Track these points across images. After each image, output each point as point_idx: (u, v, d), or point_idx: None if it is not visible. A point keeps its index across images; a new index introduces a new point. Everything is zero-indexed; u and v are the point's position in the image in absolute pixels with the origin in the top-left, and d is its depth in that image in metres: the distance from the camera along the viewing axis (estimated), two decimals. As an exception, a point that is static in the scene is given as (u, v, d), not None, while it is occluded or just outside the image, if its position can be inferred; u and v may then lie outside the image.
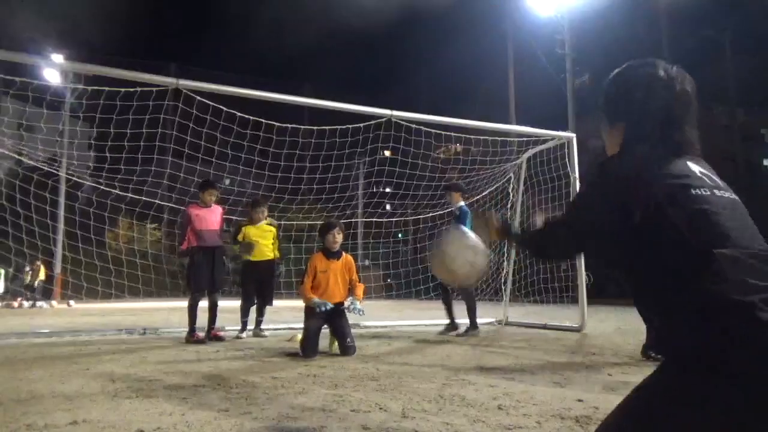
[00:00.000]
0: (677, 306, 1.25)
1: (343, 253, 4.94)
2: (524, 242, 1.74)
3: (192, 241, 5.85)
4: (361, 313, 4.73)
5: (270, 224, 6.56)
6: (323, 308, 4.56)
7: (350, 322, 4.91)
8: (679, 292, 1.24)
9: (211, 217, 5.94)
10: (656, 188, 1.31)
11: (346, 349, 4.63)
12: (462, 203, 6.76)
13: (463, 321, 6.68)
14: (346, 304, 4.76)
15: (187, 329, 5.81)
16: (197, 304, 5.82)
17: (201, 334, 5.80)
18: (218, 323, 5.98)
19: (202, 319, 5.81)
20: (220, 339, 5.83)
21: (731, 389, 1.10)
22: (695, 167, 1.37)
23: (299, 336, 5.82)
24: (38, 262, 15.98)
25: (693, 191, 1.30)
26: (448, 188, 7.10)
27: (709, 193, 1.31)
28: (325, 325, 4.80)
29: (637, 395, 1.28)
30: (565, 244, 1.54)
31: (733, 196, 1.37)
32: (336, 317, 4.72)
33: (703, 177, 1.35)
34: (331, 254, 4.86)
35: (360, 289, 4.92)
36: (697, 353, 1.18)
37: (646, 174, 1.34)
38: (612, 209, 1.36)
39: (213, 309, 5.89)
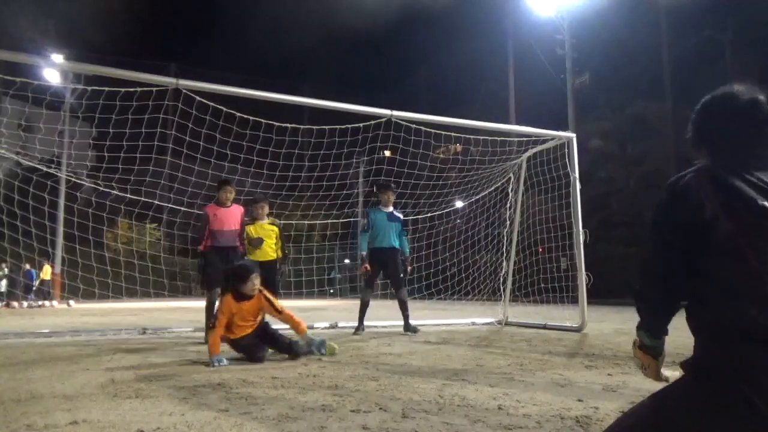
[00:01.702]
0: (717, 325, 1.23)
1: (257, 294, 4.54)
2: (650, 316, 1.56)
3: (208, 241, 5.84)
4: (323, 352, 4.51)
5: (273, 224, 6.56)
6: (219, 365, 4.04)
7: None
8: (724, 312, 1.22)
9: (229, 217, 5.92)
10: (718, 198, 1.29)
11: (259, 360, 4.30)
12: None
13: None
14: (302, 344, 4.52)
15: (187, 329, 5.80)
16: (213, 304, 5.77)
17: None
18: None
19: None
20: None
21: (740, 410, 1.10)
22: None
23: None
24: (45, 263, 16.00)
25: (760, 202, 1.25)
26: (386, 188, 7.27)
27: None
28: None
29: (652, 403, 1.28)
30: (662, 292, 1.45)
31: None
32: (254, 343, 4.46)
33: None
34: (242, 297, 4.45)
35: (294, 319, 4.62)
36: (716, 371, 1.17)
37: (712, 184, 1.32)
38: (683, 230, 1.34)
39: None
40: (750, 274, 1.20)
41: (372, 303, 7.07)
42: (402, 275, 6.98)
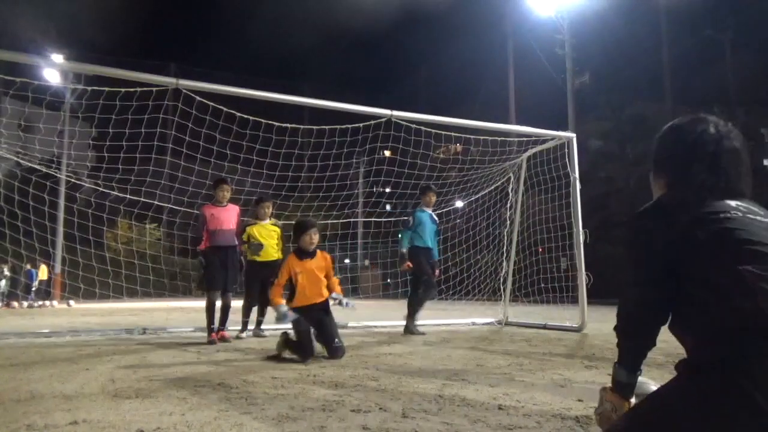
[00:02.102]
0: (706, 322, 1.27)
1: (318, 251, 4.74)
2: (628, 353, 1.54)
3: (206, 241, 5.82)
4: (351, 306, 4.64)
5: (275, 224, 6.56)
6: (286, 320, 4.35)
7: (338, 321, 4.76)
8: (708, 308, 1.26)
9: (225, 216, 5.88)
10: (686, 217, 1.35)
11: (335, 351, 4.39)
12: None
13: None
14: (332, 302, 4.64)
15: (187, 329, 5.80)
16: (214, 304, 5.76)
17: (226, 333, 5.82)
18: (218, 323, 5.95)
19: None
20: (225, 340, 5.77)
21: (740, 407, 1.11)
22: (732, 202, 1.39)
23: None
24: (40, 263, 16.00)
25: (722, 214, 1.33)
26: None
27: (740, 215, 1.33)
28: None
29: (650, 403, 1.28)
30: (642, 310, 1.46)
31: None
32: (321, 318, 4.53)
33: (739, 207, 1.36)
34: (304, 254, 4.65)
35: (337, 284, 4.78)
36: (711, 369, 1.19)
37: (679, 210, 1.38)
38: (658, 256, 1.38)
39: (225, 310, 5.87)
40: (731, 272, 1.24)
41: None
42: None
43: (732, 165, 1.47)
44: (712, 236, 1.29)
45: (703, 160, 1.47)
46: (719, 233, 1.29)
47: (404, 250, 6.80)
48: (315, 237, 4.67)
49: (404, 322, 6.82)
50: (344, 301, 4.65)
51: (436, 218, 7.20)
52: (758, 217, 1.34)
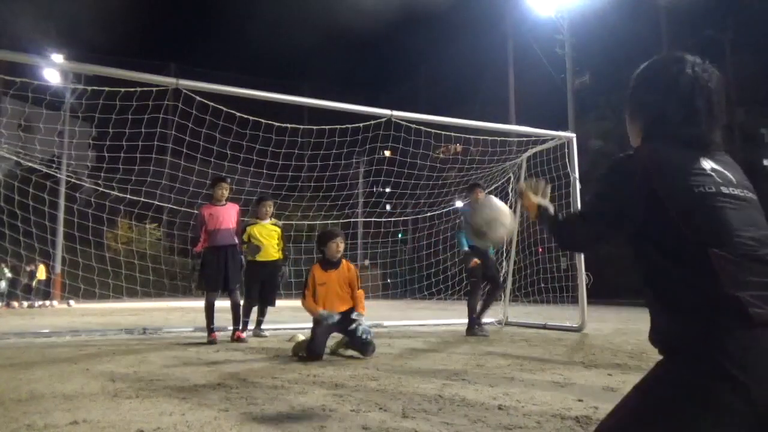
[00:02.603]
0: (671, 301, 1.27)
1: (343, 261, 4.73)
2: (546, 222, 1.71)
3: (205, 241, 5.81)
4: (367, 336, 4.42)
5: (275, 224, 6.56)
6: (330, 321, 4.39)
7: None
8: (674, 287, 1.27)
9: (224, 215, 5.85)
10: (659, 183, 1.31)
11: (365, 347, 4.37)
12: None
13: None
14: (353, 325, 4.46)
15: (187, 329, 5.79)
16: (212, 305, 5.75)
17: (242, 334, 5.81)
18: (218, 323, 5.95)
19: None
20: (241, 340, 5.72)
21: (721, 384, 1.12)
22: (707, 164, 1.36)
23: (299, 336, 5.80)
24: (39, 263, 15.99)
25: (696, 189, 1.29)
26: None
27: (714, 190, 1.30)
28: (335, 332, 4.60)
29: (636, 392, 1.28)
30: (578, 235, 1.57)
31: (748, 193, 1.35)
32: (348, 324, 4.49)
33: (713, 174, 1.33)
34: (329, 264, 4.65)
35: (362, 299, 4.68)
36: (688, 349, 1.20)
37: (653, 168, 1.34)
38: (620, 204, 1.37)
39: (235, 309, 5.85)
40: (697, 253, 1.23)
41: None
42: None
43: (709, 113, 1.41)
44: (684, 211, 1.27)
45: (678, 109, 1.42)
46: (691, 209, 1.28)
47: (466, 249, 6.69)
48: (341, 246, 4.66)
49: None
50: (361, 328, 4.44)
51: None
52: (732, 189, 1.32)
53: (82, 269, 9.07)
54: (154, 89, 6.28)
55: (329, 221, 11.42)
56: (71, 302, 16.09)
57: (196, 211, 7.00)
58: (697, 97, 1.42)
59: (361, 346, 4.42)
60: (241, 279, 6.16)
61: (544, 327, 7.43)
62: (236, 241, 5.95)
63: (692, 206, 1.28)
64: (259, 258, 6.29)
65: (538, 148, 8.24)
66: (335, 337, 4.79)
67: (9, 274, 15.67)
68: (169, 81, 6.08)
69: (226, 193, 5.98)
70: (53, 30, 26.31)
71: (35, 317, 10.43)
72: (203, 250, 5.82)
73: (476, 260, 6.61)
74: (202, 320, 5.86)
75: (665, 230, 1.29)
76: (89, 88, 6.92)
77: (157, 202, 9.03)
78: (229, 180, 6.23)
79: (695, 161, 1.35)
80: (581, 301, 7.17)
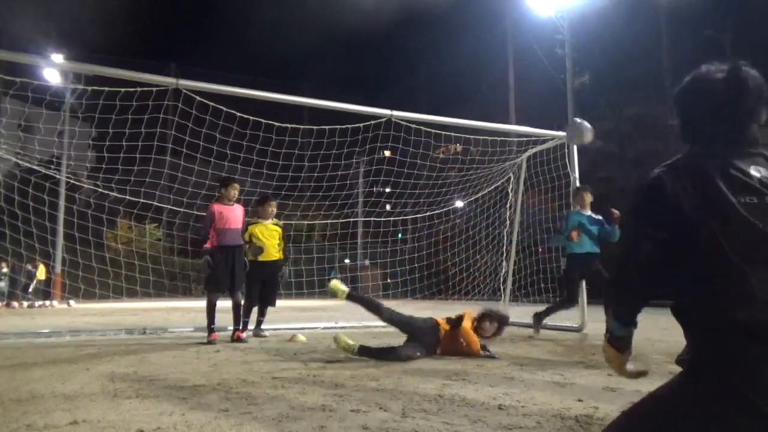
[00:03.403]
0: (705, 323, 1.24)
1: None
2: (611, 307, 1.53)
3: (213, 240, 5.79)
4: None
5: (276, 224, 6.56)
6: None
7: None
8: (710, 309, 1.22)
9: (233, 215, 5.87)
10: (701, 197, 1.27)
11: None
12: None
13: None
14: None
15: (187, 329, 5.79)
16: (215, 305, 5.75)
17: (242, 335, 5.80)
18: (218, 323, 5.95)
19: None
20: (242, 341, 5.72)
21: (743, 402, 1.10)
22: (756, 172, 1.30)
23: (300, 336, 5.81)
24: (38, 263, 15.98)
25: (741, 199, 1.24)
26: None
27: (757, 199, 1.24)
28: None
29: (652, 402, 1.28)
30: (630, 273, 1.44)
31: None
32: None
33: (762, 183, 1.28)
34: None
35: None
36: (714, 370, 1.18)
37: (698, 178, 1.30)
38: (663, 227, 1.32)
39: (236, 309, 5.85)
40: (732, 271, 1.19)
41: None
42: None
43: (750, 111, 1.39)
44: (722, 226, 1.21)
45: (723, 116, 1.39)
46: (730, 224, 1.21)
47: (563, 236, 6.39)
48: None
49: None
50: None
51: (598, 217, 6.42)
52: None
53: (82, 269, 9.06)
54: (154, 89, 6.28)
55: (329, 221, 11.42)
56: (71, 302, 16.08)
57: (197, 212, 7.00)
58: (741, 99, 1.40)
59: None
60: (243, 280, 6.16)
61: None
62: (242, 242, 5.96)
63: (735, 220, 1.23)
64: (260, 258, 6.29)
65: (538, 148, 8.24)
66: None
67: (6, 271, 15.68)
68: (169, 81, 6.08)
69: (237, 194, 6.00)
70: (53, 30, 26.29)
71: (35, 317, 10.43)
72: (210, 250, 5.78)
73: (575, 232, 6.22)
74: (202, 320, 5.86)
75: (701, 247, 1.25)
76: (89, 88, 6.93)
77: (156, 203, 9.02)
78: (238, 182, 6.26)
79: (740, 168, 1.31)
80: (581, 301, 7.16)
